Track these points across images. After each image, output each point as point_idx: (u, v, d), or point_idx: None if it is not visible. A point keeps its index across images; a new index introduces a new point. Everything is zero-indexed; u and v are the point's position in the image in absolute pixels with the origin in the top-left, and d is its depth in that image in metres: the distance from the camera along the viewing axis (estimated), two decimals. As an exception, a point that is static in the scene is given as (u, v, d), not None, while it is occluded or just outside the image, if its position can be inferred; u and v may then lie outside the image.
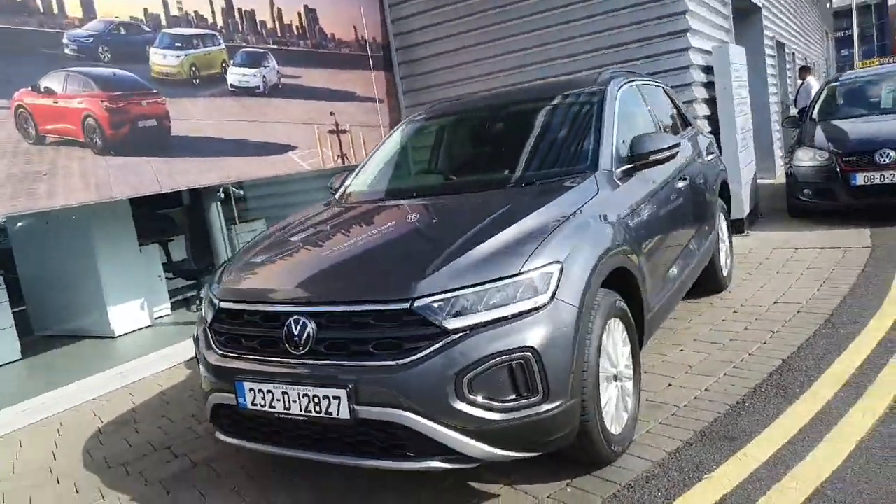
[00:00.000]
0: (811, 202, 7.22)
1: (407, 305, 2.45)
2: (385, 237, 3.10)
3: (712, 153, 5.10)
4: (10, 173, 4.59)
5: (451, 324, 2.42)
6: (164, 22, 5.79)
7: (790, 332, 4.21)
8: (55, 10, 4.98)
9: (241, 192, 9.32)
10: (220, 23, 6.31)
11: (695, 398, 3.46)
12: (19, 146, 4.67)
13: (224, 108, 6.25)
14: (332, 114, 7.44)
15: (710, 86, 7.38)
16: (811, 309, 4.57)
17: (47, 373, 5.61)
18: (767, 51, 11.10)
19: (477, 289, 2.46)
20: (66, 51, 5.04)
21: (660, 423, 3.24)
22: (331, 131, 7.39)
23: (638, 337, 3.24)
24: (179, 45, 5.88)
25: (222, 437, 2.93)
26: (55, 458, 3.83)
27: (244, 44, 6.56)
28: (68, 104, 5.01)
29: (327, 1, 7.61)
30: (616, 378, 2.92)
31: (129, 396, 4.78)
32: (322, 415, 2.52)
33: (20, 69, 4.73)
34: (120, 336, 6.47)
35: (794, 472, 2.67)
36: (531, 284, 2.51)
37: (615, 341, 2.92)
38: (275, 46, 6.89)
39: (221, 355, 2.86)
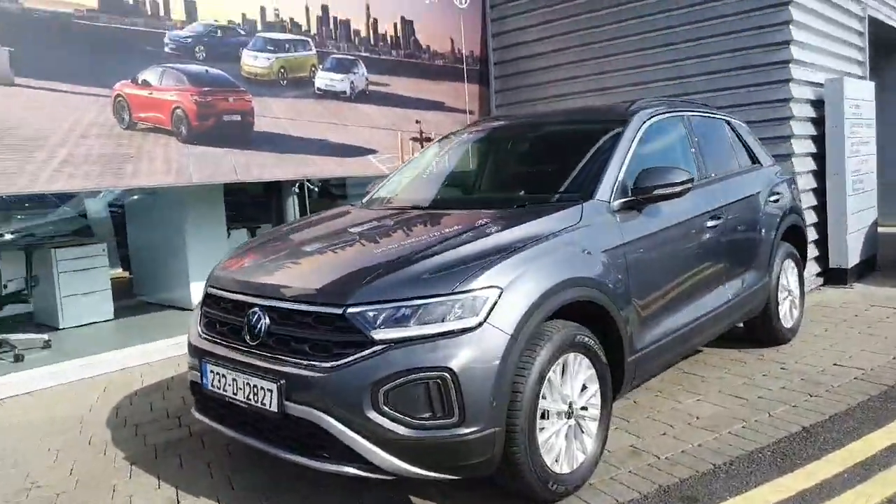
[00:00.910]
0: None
1: (339, 311, 2.53)
2: (357, 243, 3.19)
3: (777, 194, 4.71)
4: (102, 153, 5.16)
5: (378, 335, 2.46)
6: (259, 27, 6.24)
7: (832, 398, 3.82)
8: (161, 13, 5.54)
9: (317, 188, 9.74)
10: (313, 29, 6.70)
11: (682, 451, 3.24)
12: (113, 130, 5.24)
13: (308, 110, 6.62)
14: (417, 122, 7.65)
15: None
16: (872, 377, 4.10)
17: (123, 334, 6.21)
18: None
19: (408, 304, 2.49)
20: (166, 49, 5.59)
21: (630, 471, 3.07)
22: (414, 138, 7.59)
23: (619, 377, 3.10)
24: (271, 48, 6.32)
25: (194, 412, 3.14)
26: (90, 411, 4.27)
27: (335, 51, 6.91)
28: (161, 96, 5.55)
29: (427, 14, 7.83)
30: (569, 415, 2.82)
31: (176, 365, 5.20)
32: (258, 405, 2.65)
33: (124, 64, 5.31)
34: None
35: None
36: (463, 306, 2.49)
37: (571, 376, 2.81)
38: (366, 54, 7.20)
39: (199, 335, 3.09)
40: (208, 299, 3.16)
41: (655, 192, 3.27)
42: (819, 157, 6.84)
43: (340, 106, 6.93)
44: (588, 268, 2.91)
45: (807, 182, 6.70)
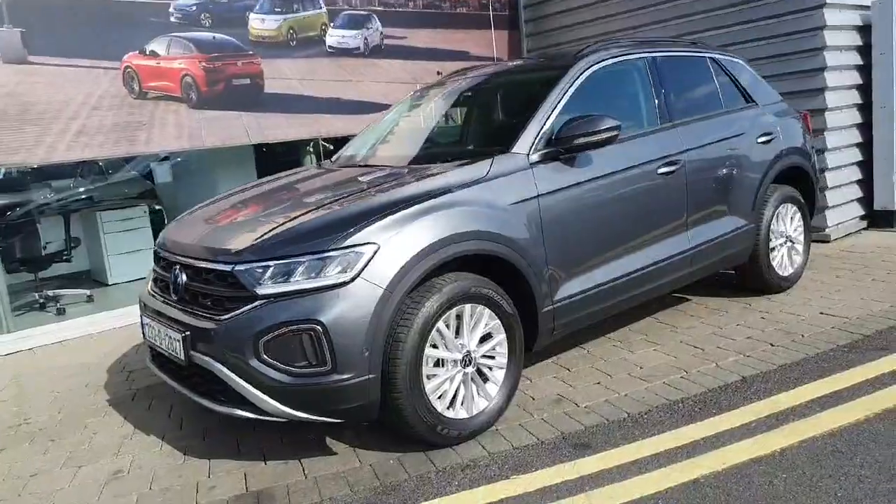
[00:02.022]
0: None
1: (229, 269, 2.71)
2: (274, 203, 3.31)
3: (768, 135, 4.43)
4: (116, 122, 5.56)
5: (261, 290, 2.63)
6: (265, -12, 6.40)
7: (793, 347, 3.67)
8: (164, -17, 5.81)
9: (332, 147, 9.92)
10: (322, -13, 6.79)
11: (604, 401, 3.25)
12: (125, 100, 5.62)
13: (319, 68, 6.77)
14: (438, 73, 7.61)
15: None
16: (852, 327, 3.89)
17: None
18: None
19: (288, 261, 2.64)
20: (172, 19, 5.87)
21: (543, 418, 3.13)
22: (434, 90, 7.59)
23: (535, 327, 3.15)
24: (279, 9, 6.48)
25: (147, 362, 3.46)
26: (102, 358, 4.74)
27: (347, 7, 6.98)
28: (169, 65, 5.87)
29: (446, -40, 7.71)
30: (466, 363, 2.90)
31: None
32: (174, 354, 2.91)
33: (130, 36, 5.64)
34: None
35: (598, 492, 2.48)
36: (339, 262, 2.61)
37: (468, 326, 2.89)
38: (381, 8, 7.22)
39: (147, 292, 3.38)
40: (154, 258, 3.44)
41: (576, 141, 3.21)
42: (865, 89, 6.30)
43: (354, 62, 7.03)
44: (486, 221, 2.93)
45: (850, 117, 6.21)
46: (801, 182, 4.79)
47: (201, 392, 2.88)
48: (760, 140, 4.39)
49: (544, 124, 3.31)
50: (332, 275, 2.60)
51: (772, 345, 3.75)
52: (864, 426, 2.77)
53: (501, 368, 3.04)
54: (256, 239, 2.76)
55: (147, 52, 5.74)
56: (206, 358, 2.73)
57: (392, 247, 2.66)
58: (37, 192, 6.45)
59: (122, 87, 5.60)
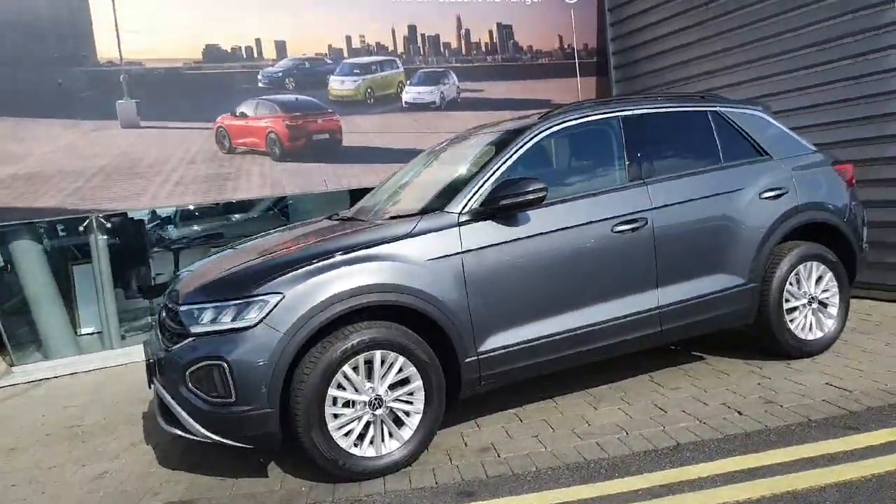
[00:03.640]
0: None
1: (176, 310, 3.25)
2: (248, 250, 3.72)
3: (778, 189, 4.19)
4: (208, 174, 6.53)
5: (193, 329, 3.13)
6: (345, 54, 7.15)
7: (761, 418, 3.46)
8: (255, 55, 6.75)
9: None
10: (400, 49, 7.41)
11: (526, 454, 3.31)
12: (216, 155, 6.59)
13: (395, 123, 7.37)
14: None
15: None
16: (844, 401, 3.57)
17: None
18: None
19: (212, 305, 3.11)
20: (260, 84, 6.79)
21: (457, 465, 3.28)
22: (509, 140, 7.86)
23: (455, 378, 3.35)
24: (357, 71, 7.19)
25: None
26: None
27: (424, 65, 7.53)
28: (256, 123, 6.78)
29: (528, 15, 8.02)
30: (375, 406, 3.17)
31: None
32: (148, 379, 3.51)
33: (224, 101, 6.62)
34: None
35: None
36: (248, 308, 3.03)
37: (378, 372, 3.16)
38: (457, 65, 7.69)
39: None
40: (168, 295, 4.10)
41: (501, 202, 3.39)
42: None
43: (429, 116, 7.55)
44: (396, 275, 3.20)
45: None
46: (834, 240, 4.43)
47: (160, 411, 3.42)
48: (767, 195, 4.17)
49: (482, 185, 3.51)
50: (241, 319, 3.03)
51: (740, 413, 3.56)
52: (753, 507, 2.63)
53: (417, 414, 3.27)
54: (201, 284, 3.29)
55: (237, 114, 6.68)
56: (157, 384, 3.28)
57: (295, 297, 3.04)
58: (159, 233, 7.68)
59: (214, 145, 6.57)
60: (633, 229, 3.74)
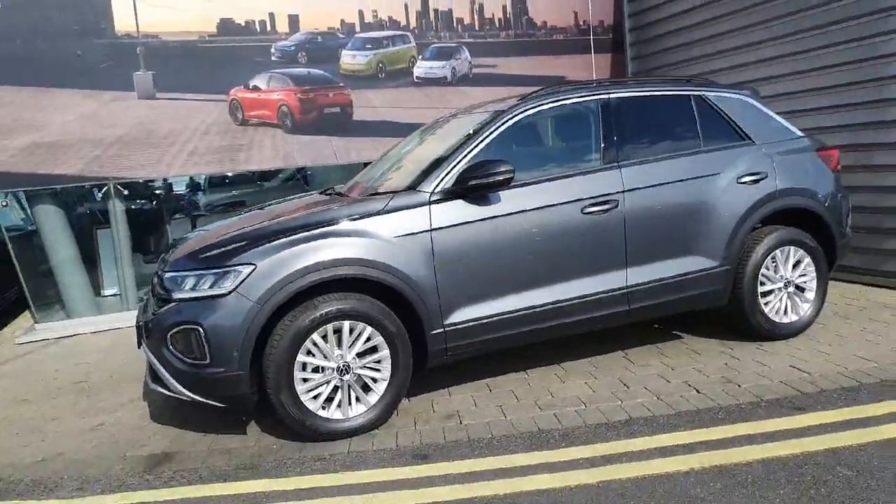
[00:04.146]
0: None
1: (161, 276, 3.50)
2: (238, 223, 3.93)
3: (757, 174, 4.22)
4: (221, 145, 6.78)
5: (175, 295, 3.37)
6: (358, 28, 7.27)
7: (716, 396, 3.58)
8: (268, 29, 6.92)
9: None
10: (413, 24, 7.50)
11: (486, 422, 3.50)
12: (229, 127, 6.82)
13: (406, 98, 7.49)
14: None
15: None
16: (799, 383, 3.67)
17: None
18: None
19: (193, 273, 3.35)
20: (273, 58, 6.97)
21: (420, 429, 3.49)
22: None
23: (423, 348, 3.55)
24: (369, 46, 7.31)
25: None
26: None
27: (436, 40, 7.61)
28: (269, 96, 6.97)
29: (543, -10, 8.00)
30: (343, 371, 3.39)
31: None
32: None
33: (237, 74, 6.83)
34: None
35: (382, 496, 2.85)
36: (225, 277, 3.26)
37: (346, 340, 3.38)
38: (470, 40, 7.75)
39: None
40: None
41: (470, 182, 3.53)
42: None
43: (441, 91, 7.64)
44: (365, 250, 3.38)
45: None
46: (813, 225, 4.46)
47: (149, 371, 3.69)
48: (745, 180, 4.21)
49: (455, 166, 3.66)
50: (217, 287, 3.26)
51: (698, 391, 3.69)
52: (667, 478, 2.79)
53: (384, 381, 3.48)
54: (187, 253, 3.53)
55: (250, 87, 6.88)
56: (145, 347, 3.55)
57: (266, 268, 3.25)
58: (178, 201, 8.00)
59: (227, 116, 6.80)
60: (603, 211, 3.85)
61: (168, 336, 3.34)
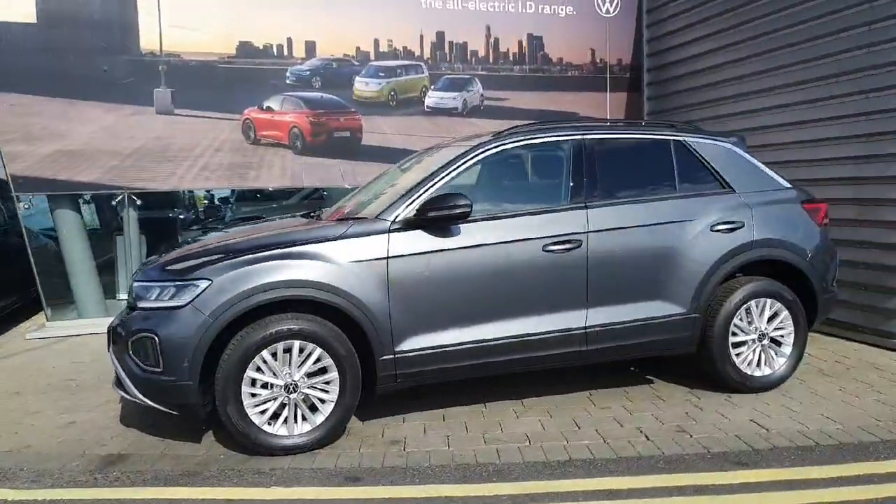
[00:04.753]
0: None
1: (131, 286, 3.68)
2: (218, 238, 4.14)
3: (732, 223, 4.21)
4: (232, 162, 7.03)
5: (140, 303, 3.54)
6: (373, 57, 7.49)
7: (663, 445, 3.56)
8: (285, 53, 7.19)
9: None
10: (427, 54, 7.68)
11: (426, 451, 3.56)
12: (241, 145, 7.08)
13: (415, 125, 7.66)
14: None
15: None
16: (752, 439, 3.63)
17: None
18: None
19: (158, 283, 3.51)
20: (287, 81, 7.22)
21: (363, 452, 3.57)
22: (529, 149, 8.01)
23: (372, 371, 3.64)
24: (382, 74, 7.51)
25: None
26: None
27: (449, 72, 7.78)
28: (281, 118, 7.22)
29: (560, 27, 8.11)
30: (290, 391, 3.49)
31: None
32: (111, 345, 3.96)
33: (252, 95, 7.10)
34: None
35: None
36: (184, 290, 3.41)
37: (294, 360, 3.48)
38: (483, 73, 7.89)
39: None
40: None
41: (429, 214, 3.63)
42: None
43: (452, 121, 7.79)
44: (317, 272, 3.49)
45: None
46: (795, 279, 4.41)
47: (115, 374, 3.85)
48: (719, 228, 4.21)
49: (418, 197, 3.76)
50: (176, 299, 3.41)
51: (647, 438, 3.67)
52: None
53: (331, 402, 3.57)
54: (157, 264, 3.70)
55: (264, 108, 7.14)
56: (111, 352, 3.71)
57: (221, 284, 3.39)
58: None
59: (240, 135, 7.06)
60: (565, 250, 3.89)
61: (129, 342, 3.50)
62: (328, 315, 3.56)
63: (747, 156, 4.56)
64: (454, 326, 3.74)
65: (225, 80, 6.99)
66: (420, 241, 3.69)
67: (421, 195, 3.77)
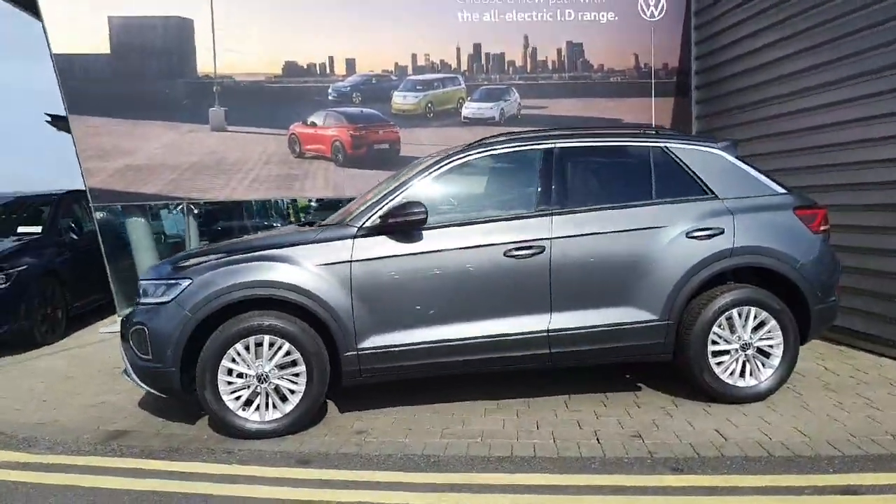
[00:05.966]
0: None
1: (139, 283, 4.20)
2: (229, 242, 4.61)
3: (710, 230, 4.16)
4: (279, 174, 7.61)
5: (139, 299, 4.05)
6: (410, 71, 7.84)
7: (612, 449, 3.63)
8: (327, 70, 7.69)
9: None
10: (464, 66, 7.94)
11: (383, 441, 3.81)
12: (287, 158, 7.64)
13: (452, 136, 7.89)
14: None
15: None
16: (705, 448, 3.60)
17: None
18: None
19: (153, 282, 4.00)
20: (329, 97, 7.72)
21: (327, 438, 3.89)
22: (566, 157, 8.07)
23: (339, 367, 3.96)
24: (420, 87, 7.85)
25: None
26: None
27: (487, 82, 7.99)
28: (324, 132, 7.72)
29: (602, 33, 8.12)
30: (261, 380, 3.87)
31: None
32: (128, 334, 4.51)
33: (297, 111, 7.65)
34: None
35: (261, 488, 3.26)
36: (172, 288, 3.87)
37: (265, 353, 3.85)
38: (520, 82, 8.05)
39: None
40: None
41: (389, 220, 3.90)
42: None
43: (487, 130, 7.95)
44: (286, 274, 3.85)
45: None
46: (783, 287, 4.30)
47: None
48: (695, 234, 4.18)
49: (385, 204, 4.04)
50: (165, 296, 3.88)
51: (598, 441, 3.74)
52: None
53: (300, 393, 3.91)
54: (158, 264, 4.20)
55: (308, 123, 7.67)
56: (121, 340, 4.25)
57: (199, 283, 3.82)
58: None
59: (286, 149, 7.62)
60: (527, 255, 4.02)
61: (129, 333, 4.00)
62: (297, 313, 3.90)
63: (735, 160, 4.48)
64: (414, 326, 3.97)
65: (272, 98, 7.57)
66: (383, 246, 3.96)
67: (386, 203, 4.04)
